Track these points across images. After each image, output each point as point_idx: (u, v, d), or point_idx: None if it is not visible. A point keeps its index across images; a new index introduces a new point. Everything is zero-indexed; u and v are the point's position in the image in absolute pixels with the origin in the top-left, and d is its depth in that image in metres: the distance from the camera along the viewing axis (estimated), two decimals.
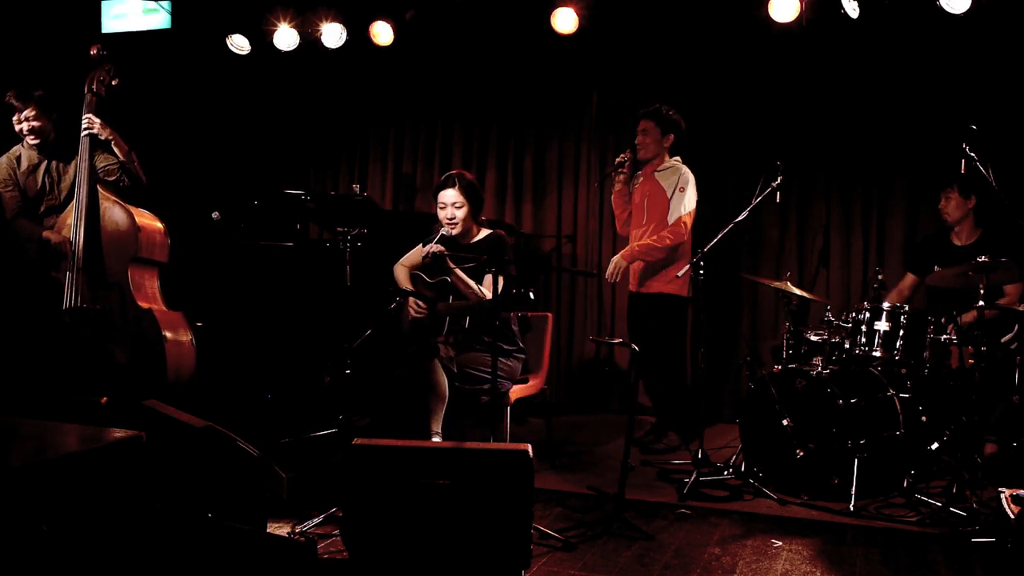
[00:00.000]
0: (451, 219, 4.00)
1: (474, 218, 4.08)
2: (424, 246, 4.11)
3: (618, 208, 4.90)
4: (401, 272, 4.23)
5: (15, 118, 4.28)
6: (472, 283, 3.89)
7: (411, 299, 4.00)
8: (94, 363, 4.01)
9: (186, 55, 5.93)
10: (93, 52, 4.24)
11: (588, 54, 5.70)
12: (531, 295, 3.53)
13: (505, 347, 3.98)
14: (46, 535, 1.90)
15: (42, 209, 4.38)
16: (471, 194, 4.03)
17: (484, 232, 4.13)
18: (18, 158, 4.35)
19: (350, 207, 4.53)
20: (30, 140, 4.31)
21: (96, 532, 2.08)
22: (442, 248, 3.90)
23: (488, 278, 3.87)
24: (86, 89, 4.21)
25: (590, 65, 5.80)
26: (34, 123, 4.27)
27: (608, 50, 5.66)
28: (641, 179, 4.81)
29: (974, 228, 4.53)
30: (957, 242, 4.55)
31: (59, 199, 4.33)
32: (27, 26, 5.54)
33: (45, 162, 4.35)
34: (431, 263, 3.99)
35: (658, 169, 4.74)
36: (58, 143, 4.34)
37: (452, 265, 3.90)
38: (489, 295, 3.83)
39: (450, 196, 4.01)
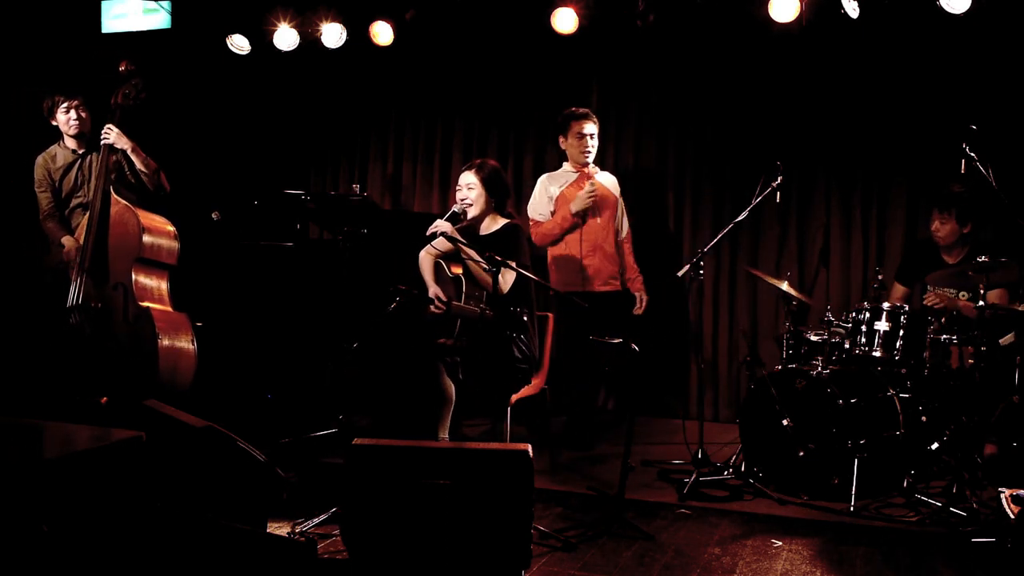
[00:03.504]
0: (463, 200, 3.96)
1: (495, 207, 4.01)
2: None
3: None
4: (426, 260, 4.12)
5: (61, 110, 4.45)
6: (483, 264, 3.74)
7: (433, 294, 3.94)
8: (93, 361, 4.04)
9: (186, 55, 5.94)
10: (122, 68, 4.42)
11: (588, 54, 5.70)
12: (524, 317, 3.52)
13: (515, 353, 3.93)
14: (46, 535, 1.90)
15: (72, 205, 4.53)
16: (490, 181, 3.97)
17: (502, 222, 4.04)
18: (53, 157, 4.55)
19: (350, 207, 4.54)
20: (73, 132, 4.48)
21: (96, 532, 2.08)
22: (448, 227, 3.79)
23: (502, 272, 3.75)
24: (112, 102, 4.37)
25: (590, 65, 5.79)
26: (81, 114, 4.47)
27: (608, 50, 5.66)
28: None
29: (963, 247, 4.43)
30: (948, 259, 4.44)
31: (88, 197, 4.45)
32: (27, 26, 5.54)
33: (79, 159, 4.49)
34: (449, 241, 3.97)
35: None
36: (93, 140, 4.47)
37: (464, 247, 3.79)
38: (504, 281, 3.82)
39: (465, 179, 3.98)
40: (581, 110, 4.87)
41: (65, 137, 4.52)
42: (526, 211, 5.02)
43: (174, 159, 5.75)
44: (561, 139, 4.91)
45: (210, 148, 6.19)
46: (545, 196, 4.90)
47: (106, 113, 4.41)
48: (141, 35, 5.82)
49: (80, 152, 4.53)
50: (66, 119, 4.46)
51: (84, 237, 4.19)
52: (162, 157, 4.75)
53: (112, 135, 4.32)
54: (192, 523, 2.40)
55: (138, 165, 4.43)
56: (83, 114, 4.49)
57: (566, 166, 4.96)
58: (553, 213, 4.87)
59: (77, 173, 4.51)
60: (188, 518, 2.41)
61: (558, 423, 4.82)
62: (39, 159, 4.52)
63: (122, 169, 4.46)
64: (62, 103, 4.45)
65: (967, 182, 3.86)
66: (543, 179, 4.98)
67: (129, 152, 4.39)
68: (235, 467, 2.72)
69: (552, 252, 4.90)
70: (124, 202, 4.29)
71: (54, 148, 4.54)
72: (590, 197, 4.75)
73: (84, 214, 4.38)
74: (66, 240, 4.41)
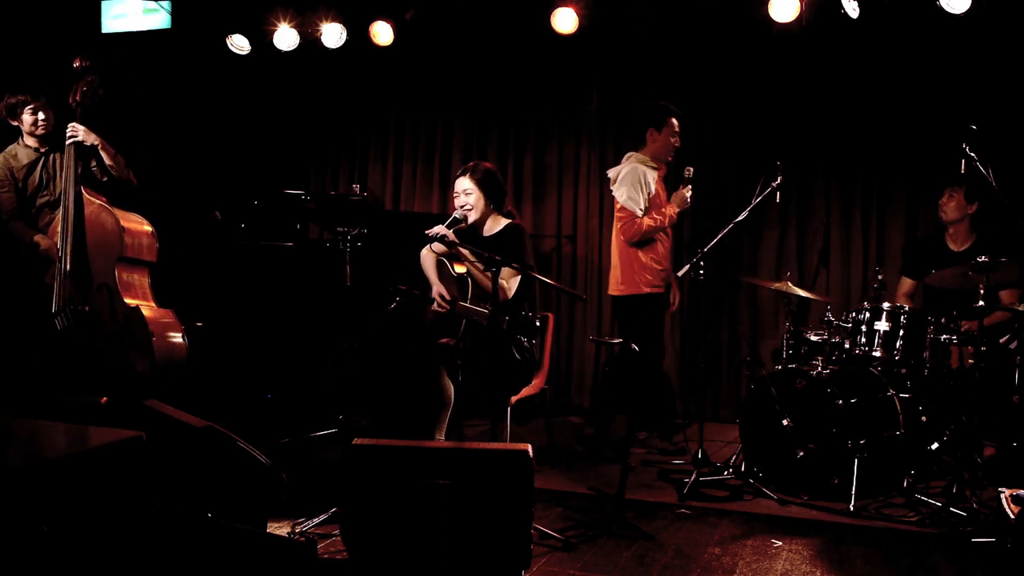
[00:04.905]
0: (463, 206, 3.95)
1: (494, 208, 3.99)
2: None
3: None
4: (428, 258, 4.07)
5: (27, 112, 4.38)
6: (483, 269, 3.76)
7: (436, 293, 3.92)
8: (87, 363, 4.03)
9: (186, 55, 5.94)
10: (76, 64, 4.33)
11: (588, 54, 5.70)
12: (536, 322, 3.49)
13: (517, 356, 3.92)
14: (46, 535, 1.90)
15: (38, 204, 4.45)
16: (485, 184, 3.95)
17: (503, 223, 4.02)
18: (15, 156, 4.45)
19: (350, 207, 4.53)
20: (39, 133, 4.41)
21: (96, 532, 2.07)
22: (447, 232, 3.76)
23: (503, 274, 3.71)
24: (71, 100, 4.29)
25: (590, 65, 5.80)
26: (46, 115, 4.39)
27: (608, 50, 5.66)
28: None
29: (969, 232, 4.51)
30: (953, 247, 4.53)
31: (55, 195, 4.39)
32: (26, 26, 5.54)
33: (43, 158, 4.44)
34: (446, 245, 3.95)
35: None
36: (56, 138, 4.40)
37: (462, 249, 3.77)
38: (508, 286, 3.81)
39: (461, 184, 3.97)
40: (673, 107, 4.73)
41: (25, 136, 4.43)
42: (623, 204, 4.64)
43: (174, 159, 5.77)
44: (652, 132, 4.68)
45: (210, 148, 6.19)
46: (647, 189, 4.60)
47: (66, 111, 4.31)
48: (141, 35, 5.81)
49: (42, 151, 4.44)
50: (33, 119, 4.37)
51: (61, 240, 4.12)
52: (163, 157, 4.74)
53: (80, 133, 4.23)
54: (192, 523, 2.40)
55: (107, 160, 4.34)
56: (49, 114, 4.41)
57: (643, 159, 4.69)
58: (647, 209, 4.62)
59: (42, 171, 4.43)
60: (188, 518, 2.41)
61: (558, 422, 4.82)
62: None
63: (89, 166, 4.36)
64: (29, 104, 4.37)
65: (969, 164, 3.87)
66: (640, 169, 4.63)
67: (99, 148, 4.31)
68: (235, 467, 2.72)
69: (636, 253, 4.65)
70: (98, 202, 4.22)
71: (14, 147, 4.45)
72: (691, 196, 4.63)
73: (51, 213, 4.32)
74: (40, 239, 4.32)
